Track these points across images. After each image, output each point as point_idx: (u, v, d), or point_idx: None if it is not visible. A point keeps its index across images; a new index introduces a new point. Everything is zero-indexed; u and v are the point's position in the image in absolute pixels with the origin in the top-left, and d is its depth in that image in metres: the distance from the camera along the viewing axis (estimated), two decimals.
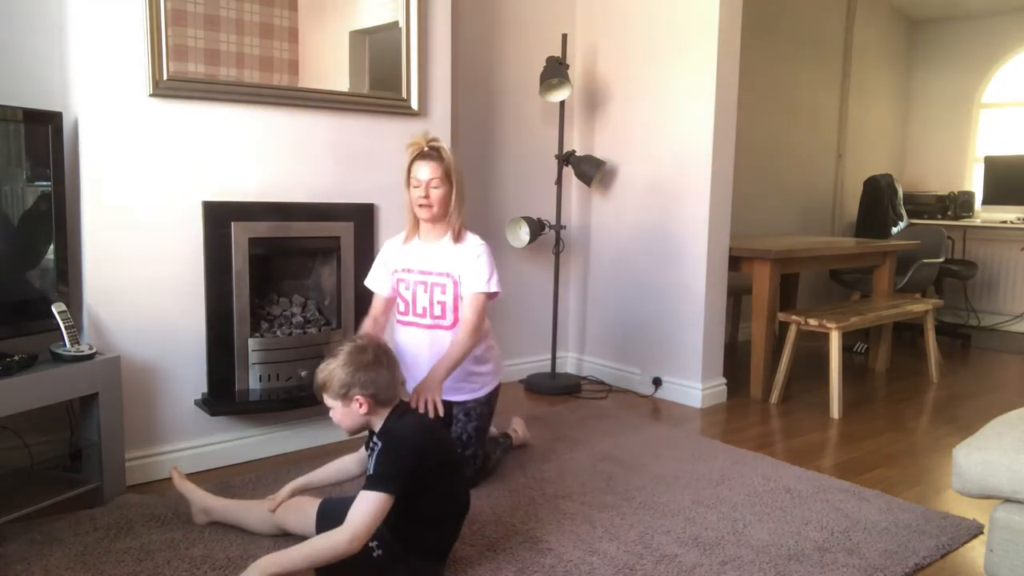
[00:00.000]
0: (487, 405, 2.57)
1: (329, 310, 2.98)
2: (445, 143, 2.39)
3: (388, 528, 1.83)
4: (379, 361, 1.87)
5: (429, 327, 2.45)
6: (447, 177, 2.32)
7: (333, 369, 1.84)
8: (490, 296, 2.42)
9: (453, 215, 2.38)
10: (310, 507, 2.01)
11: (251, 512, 2.14)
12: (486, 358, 2.54)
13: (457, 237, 2.42)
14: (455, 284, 2.41)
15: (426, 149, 2.32)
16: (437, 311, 2.44)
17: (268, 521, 2.08)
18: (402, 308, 2.49)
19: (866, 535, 2.23)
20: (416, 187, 2.32)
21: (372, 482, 1.77)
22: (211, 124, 2.60)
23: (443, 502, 1.88)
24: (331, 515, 1.83)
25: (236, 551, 2.03)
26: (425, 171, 2.31)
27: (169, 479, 2.51)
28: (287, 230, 2.78)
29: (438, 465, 1.86)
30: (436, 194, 2.32)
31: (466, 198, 2.42)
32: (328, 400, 1.87)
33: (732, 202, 3.65)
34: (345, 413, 1.87)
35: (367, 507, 1.73)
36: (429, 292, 2.43)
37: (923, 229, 5.33)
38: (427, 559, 1.88)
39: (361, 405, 1.84)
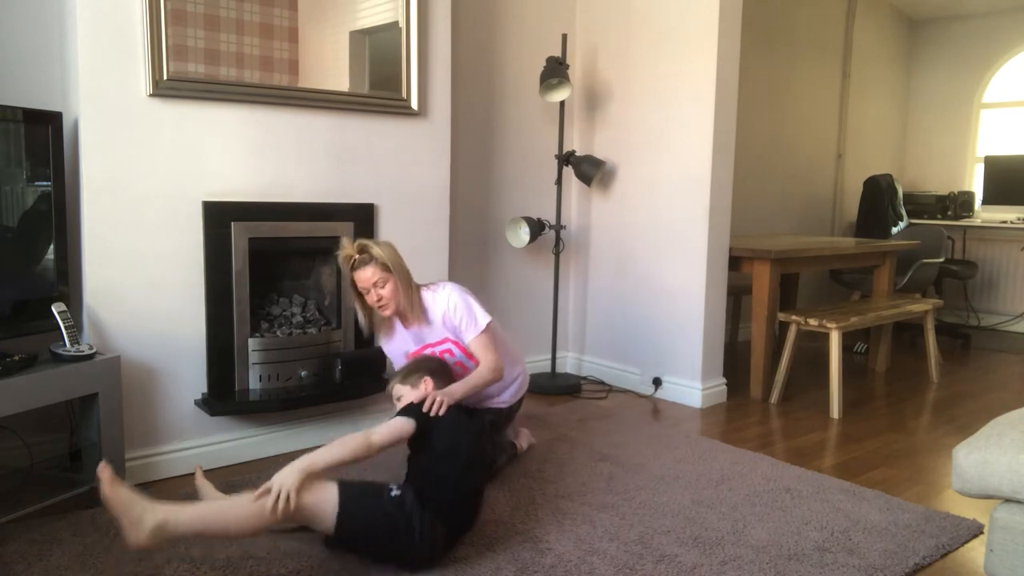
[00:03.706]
0: (508, 408, 2.66)
1: (329, 310, 2.98)
2: (369, 240, 2.38)
3: (413, 487, 1.95)
4: (440, 362, 2.40)
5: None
6: (386, 269, 2.32)
7: (404, 371, 2.31)
8: (486, 330, 2.43)
9: (405, 300, 2.37)
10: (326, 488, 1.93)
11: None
12: (513, 377, 2.66)
13: (423, 315, 2.43)
14: (457, 344, 2.46)
15: (357, 257, 2.32)
16: (459, 371, 2.47)
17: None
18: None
19: (866, 535, 2.23)
20: (366, 292, 2.34)
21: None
22: (211, 124, 2.60)
23: (464, 495, 2.05)
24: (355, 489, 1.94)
25: (236, 551, 2.03)
26: (365, 275, 2.31)
27: (169, 479, 2.54)
28: (287, 230, 2.78)
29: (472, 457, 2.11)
30: (386, 291, 2.32)
31: (410, 273, 2.41)
32: (398, 390, 2.27)
33: (732, 202, 3.65)
34: (411, 392, 2.24)
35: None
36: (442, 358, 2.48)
37: (923, 229, 5.32)
38: (437, 522, 1.93)
39: (426, 383, 2.25)
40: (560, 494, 2.47)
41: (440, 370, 2.33)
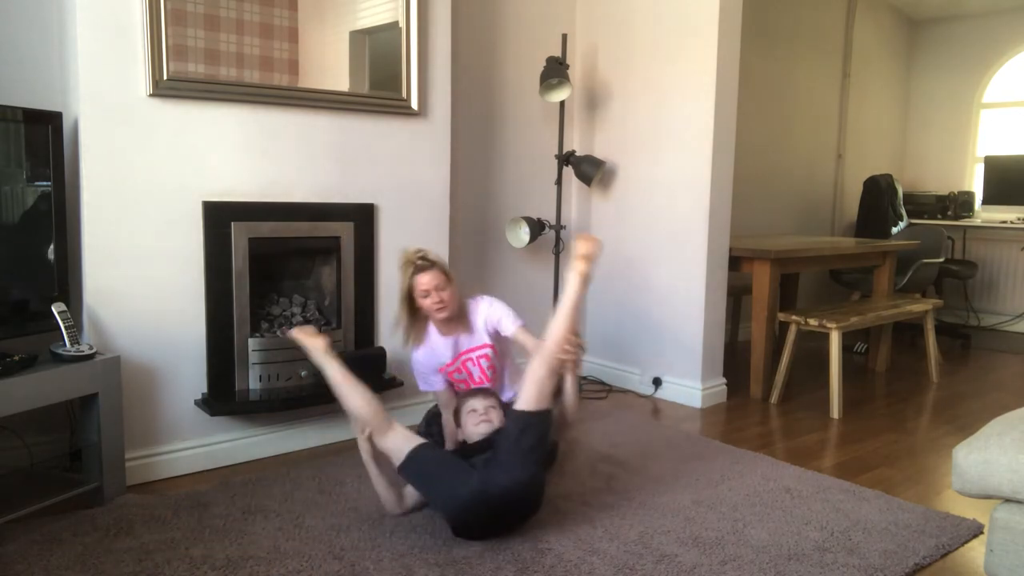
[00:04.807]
0: None
1: (329, 310, 2.98)
2: (429, 249, 2.55)
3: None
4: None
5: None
6: (447, 276, 2.49)
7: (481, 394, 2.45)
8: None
9: (456, 306, 2.54)
10: (406, 444, 2.17)
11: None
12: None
13: (468, 321, 2.59)
14: (493, 348, 2.60)
15: (419, 262, 2.48)
16: (490, 374, 2.61)
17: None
18: (463, 387, 2.63)
19: (866, 535, 2.23)
20: (426, 296, 2.48)
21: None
22: (211, 124, 2.60)
23: None
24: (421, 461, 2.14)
25: (236, 551, 2.04)
26: (427, 279, 2.47)
27: (169, 479, 2.56)
28: (287, 230, 2.78)
29: None
30: (447, 295, 2.48)
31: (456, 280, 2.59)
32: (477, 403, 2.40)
33: (732, 202, 3.65)
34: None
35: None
36: (477, 365, 2.60)
37: (923, 229, 5.32)
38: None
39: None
40: (560, 494, 2.46)
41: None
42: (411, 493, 2.24)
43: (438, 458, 2.19)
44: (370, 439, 2.20)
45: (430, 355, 2.59)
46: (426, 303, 2.49)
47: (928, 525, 2.30)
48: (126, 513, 2.24)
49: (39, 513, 2.14)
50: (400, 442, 2.18)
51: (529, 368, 2.21)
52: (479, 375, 2.60)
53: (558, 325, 2.24)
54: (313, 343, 2.35)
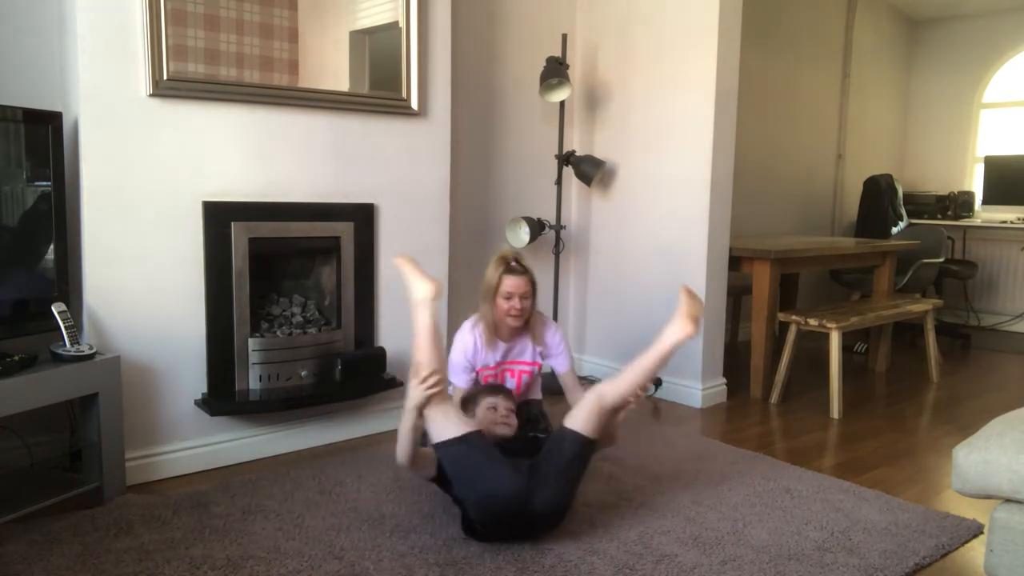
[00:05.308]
0: (541, 400, 2.82)
1: (329, 310, 2.98)
2: (526, 258, 2.60)
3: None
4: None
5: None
6: (533, 288, 2.55)
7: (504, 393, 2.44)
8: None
9: (531, 317, 2.59)
10: (459, 423, 2.13)
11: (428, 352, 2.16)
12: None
13: (540, 334, 2.66)
14: (538, 367, 2.69)
15: (513, 264, 2.52)
16: (523, 389, 2.67)
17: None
18: None
19: (866, 535, 2.23)
20: (508, 299, 2.51)
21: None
22: (211, 124, 2.60)
23: None
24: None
25: (236, 551, 2.04)
26: (518, 285, 2.51)
27: (169, 479, 2.55)
28: (287, 230, 2.78)
29: None
30: (527, 304, 2.53)
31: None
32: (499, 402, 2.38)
33: (732, 202, 3.65)
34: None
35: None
36: (517, 377, 2.65)
37: (923, 229, 5.32)
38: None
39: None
40: None
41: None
42: (426, 459, 2.14)
43: (490, 452, 2.09)
44: (429, 390, 2.06)
45: (476, 353, 2.59)
46: (505, 305, 2.51)
47: (928, 525, 2.30)
48: (126, 513, 2.24)
49: (39, 513, 2.14)
50: (452, 418, 2.12)
51: (594, 397, 2.17)
52: (512, 386, 2.63)
53: (641, 371, 2.20)
54: (423, 284, 2.24)
